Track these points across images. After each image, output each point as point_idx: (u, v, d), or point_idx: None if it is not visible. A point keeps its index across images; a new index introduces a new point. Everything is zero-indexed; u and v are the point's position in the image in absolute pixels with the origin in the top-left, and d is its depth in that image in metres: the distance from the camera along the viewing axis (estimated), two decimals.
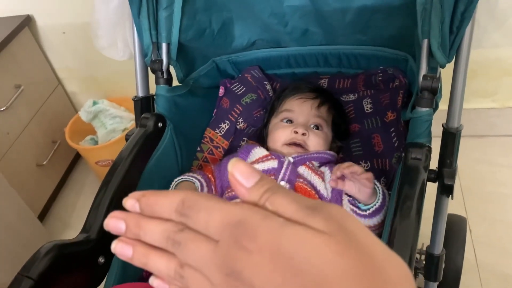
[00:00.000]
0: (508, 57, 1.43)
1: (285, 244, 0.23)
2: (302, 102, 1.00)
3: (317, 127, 0.97)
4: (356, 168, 0.75)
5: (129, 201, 0.29)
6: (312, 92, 1.02)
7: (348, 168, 0.75)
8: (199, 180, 0.90)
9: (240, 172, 0.27)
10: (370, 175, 0.75)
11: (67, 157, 1.89)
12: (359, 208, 0.78)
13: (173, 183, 0.90)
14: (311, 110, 0.98)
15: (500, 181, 1.48)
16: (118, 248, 0.28)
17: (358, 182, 0.76)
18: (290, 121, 0.99)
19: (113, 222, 0.28)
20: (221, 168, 0.96)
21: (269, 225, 0.24)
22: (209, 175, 0.95)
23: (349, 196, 0.80)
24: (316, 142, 0.94)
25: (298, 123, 0.97)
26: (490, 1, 0.71)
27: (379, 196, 0.78)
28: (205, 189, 0.90)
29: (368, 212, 0.77)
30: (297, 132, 0.94)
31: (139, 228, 0.28)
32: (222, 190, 0.94)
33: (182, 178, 0.91)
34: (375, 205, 0.77)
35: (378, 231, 0.80)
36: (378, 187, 0.79)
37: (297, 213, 0.24)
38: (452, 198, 0.77)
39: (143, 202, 0.28)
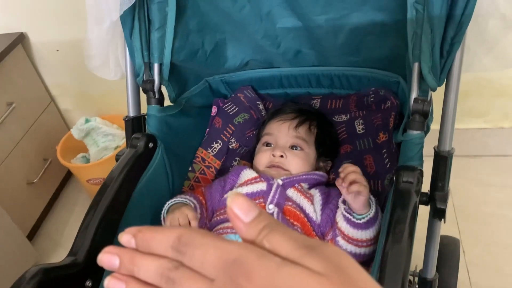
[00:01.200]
0: (500, 78, 1.45)
1: (280, 284, 0.23)
2: (281, 124, 1.01)
3: (295, 147, 0.97)
4: (355, 177, 0.76)
5: (125, 237, 0.28)
6: (292, 113, 1.02)
7: (350, 176, 0.76)
8: (192, 202, 0.90)
9: (239, 207, 0.27)
10: (363, 188, 0.75)
11: (58, 175, 1.87)
12: (353, 216, 0.78)
13: (165, 206, 0.89)
14: (289, 131, 0.99)
15: (494, 201, 1.48)
16: (111, 284, 0.28)
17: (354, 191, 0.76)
18: (270, 144, 0.99)
19: (107, 258, 0.28)
20: (212, 191, 0.95)
21: (265, 265, 0.24)
22: (200, 197, 0.94)
23: (345, 204, 0.80)
24: (295, 163, 0.94)
25: (277, 146, 0.98)
26: (480, 25, 0.72)
27: (373, 207, 0.78)
28: (198, 211, 0.89)
29: (362, 221, 0.77)
30: (274, 155, 0.95)
31: (133, 264, 0.27)
32: (212, 212, 0.93)
33: (175, 201, 0.90)
34: (368, 215, 0.77)
35: (371, 248, 0.79)
36: (372, 200, 0.79)
37: (294, 252, 0.24)
38: (444, 222, 0.77)
39: (139, 238, 0.28)
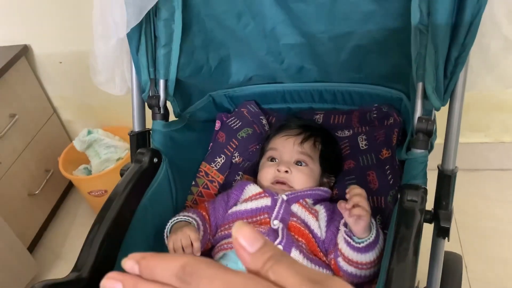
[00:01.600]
0: (500, 93, 1.46)
1: None
2: (286, 139, 1.01)
3: (300, 163, 0.97)
4: (358, 199, 0.77)
5: (129, 263, 0.28)
6: (297, 129, 1.02)
7: (353, 198, 0.77)
8: (195, 220, 0.90)
9: (244, 237, 0.27)
10: (366, 211, 0.76)
11: (59, 186, 1.87)
12: (353, 240, 0.78)
13: (168, 224, 0.89)
14: (294, 146, 0.99)
15: (495, 216, 1.48)
16: None
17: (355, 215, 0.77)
18: (274, 159, 0.99)
19: (110, 284, 0.28)
20: (215, 206, 0.96)
21: None
22: (204, 213, 0.94)
23: (346, 227, 0.80)
24: (300, 179, 0.95)
25: (281, 161, 0.98)
26: (482, 46, 0.73)
27: (373, 231, 0.78)
28: (201, 228, 0.89)
29: (361, 245, 0.77)
30: (279, 171, 0.95)
31: None
32: (216, 228, 0.94)
33: (178, 219, 0.90)
34: (368, 239, 0.78)
35: (372, 270, 0.80)
36: (373, 224, 0.79)
37: (300, 286, 0.24)
38: (448, 241, 0.77)
39: (142, 265, 0.27)
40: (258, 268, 0.26)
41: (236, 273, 0.25)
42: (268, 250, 0.26)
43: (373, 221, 0.79)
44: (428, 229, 0.80)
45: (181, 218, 0.89)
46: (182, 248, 0.82)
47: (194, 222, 0.89)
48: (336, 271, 0.82)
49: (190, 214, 0.91)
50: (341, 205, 0.79)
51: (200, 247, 0.84)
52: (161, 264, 0.27)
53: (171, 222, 0.89)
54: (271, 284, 0.25)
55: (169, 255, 0.28)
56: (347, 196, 0.79)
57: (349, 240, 0.78)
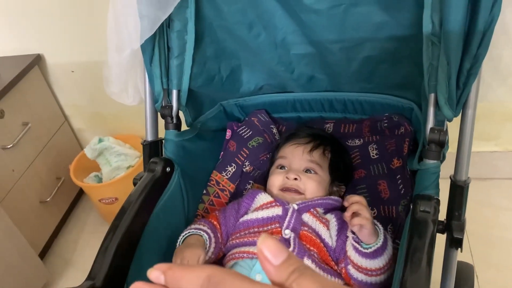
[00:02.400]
0: (511, 103, 1.45)
1: None
2: (295, 147, 1.01)
3: (310, 171, 0.97)
4: (357, 207, 0.77)
5: (154, 273, 0.28)
6: (306, 137, 1.03)
7: (351, 206, 0.78)
8: (206, 232, 0.90)
9: (269, 249, 0.27)
10: (367, 218, 0.76)
11: (70, 194, 1.88)
12: (361, 246, 0.78)
13: (180, 237, 0.90)
14: (303, 154, 0.99)
15: (505, 225, 1.48)
16: None
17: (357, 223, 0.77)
18: (283, 167, 1.00)
19: None
20: (226, 215, 0.96)
21: None
22: (215, 222, 0.95)
23: (354, 234, 0.80)
24: (310, 186, 0.95)
25: (291, 169, 0.98)
26: (494, 57, 0.73)
27: (380, 236, 0.78)
28: (213, 240, 0.90)
29: (369, 250, 0.77)
30: (288, 178, 0.95)
31: None
32: (227, 236, 0.94)
33: (189, 232, 0.90)
34: (376, 244, 0.78)
35: (382, 277, 0.79)
36: (379, 229, 0.79)
37: None
38: (461, 251, 0.77)
39: (169, 275, 0.28)
40: (282, 281, 0.26)
41: (261, 285, 0.26)
42: (292, 263, 0.27)
43: (379, 226, 0.80)
44: (440, 239, 0.80)
45: (193, 232, 0.90)
46: None
47: (205, 235, 0.89)
48: (347, 280, 0.82)
49: (201, 227, 0.91)
50: (345, 215, 0.79)
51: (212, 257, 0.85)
52: (187, 275, 0.27)
53: (183, 236, 0.90)
54: None
55: (195, 266, 0.28)
56: (346, 204, 0.79)
57: (357, 246, 0.78)
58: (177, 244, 0.90)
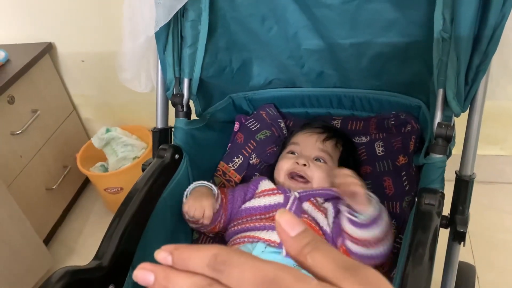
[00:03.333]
0: None
1: None
2: (309, 135, 1.02)
3: (319, 160, 0.98)
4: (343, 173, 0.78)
5: (162, 254, 0.29)
6: (322, 128, 1.04)
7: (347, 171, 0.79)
8: (215, 191, 0.94)
9: (286, 221, 0.28)
10: (357, 186, 0.77)
11: (76, 182, 1.90)
12: (356, 217, 0.78)
13: (190, 186, 0.94)
14: (316, 143, 1.00)
15: (509, 228, 1.48)
16: None
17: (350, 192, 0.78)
18: (294, 153, 1.01)
19: (142, 274, 0.28)
20: (235, 195, 0.97)
21: (302, 287, 0.25)
22: (223, 196, 0.96)
23: (346, 207, 0.81)
24: (317, 174, 0.95)
25: (301, 155, 0.99)
26: (504, 55, 0.74)
27: (375, 205, 0.78)
28: (219, 201, 0.93)
29: (365, 220, 0.77)
30: (298, 163, 0.96)
31: (167, 281, 0.28)
32: (230, 216, 0.96)
33: (200, 183, 0.94)
34: (369, 212, 0.78)
35: (380, 249, 0.80)
36: (372, 197, 0.80)
37: (334, 273, 0.25)
38: (464, 245, 0.78)
39: (176, 256, 0.28)
40: (297, 251, 0.27)
41: (267, 262, 0.26)
42: (307, 236, 0.28)
43: (372, 195, 0.80)
44: (442, 237, 0.81)
45: (205, 184, 0.93)
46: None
47: (215, 191, 0.93)
48: None
49: (213, 185, 0.94)
50: (336, 186, 0.80)
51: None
52: (193, 254, 0.28)
53: (194, 185, 0.93)
54: (304, 275, 0.25)
55: (202, 246, 0.28)
56: (337, 180, 0.79)
57: (351, 217, 0.79)
58: (185, 193, 0.93)
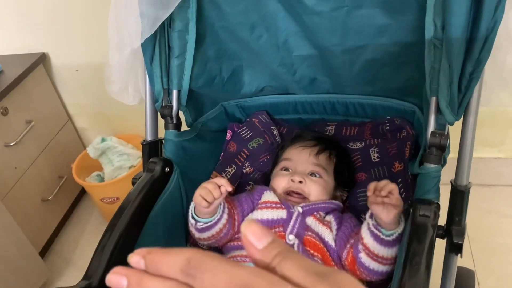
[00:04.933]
0: None
1: None
2: (301, 150, 1.00)
3: (315, 174, 0.96)
4: (391, 186, 0.75)
5: (134, 258, 0.28)
6: (313, 140, 1.02)
7: (386, 187, 0.75)
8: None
9: (253, 233, 0.27)
10: (398, 199, 0.74)
11: (72, 192, 1.89)
12: (382, 233, 0.76)
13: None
14: (309, 157, 0.98)
15: (508, 232, 1.46)
16: None
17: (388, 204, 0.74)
18: (288, 169, 0.98)
19: (115, 278, 0.28)
20: (243, 205, 0.93)
21: None
22: (229, 206, 0.91)
23: (372, 220, 0.78)
24: (314, 189, 0.93)
25: (296, 171, 0.96)
26: (497, 61, 0.73)
27: (402, 223, 0.77)
28: (226, 210, 0.88)
29: (390, 238, 0.76)
30: (293, 181, 0.94)
31: (140, 285, 0.27)
32: (243, 217, 0.92)
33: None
34: (397, 231, 0.76)
35: (391, 267, 0.78)
36: (401, 217, 0.77)
37: (305, 280, 0.25)
38: (461, 257, 0.76)
39: (148, 260, 0.28)
40: (266, 264, 0.27)
41: (241, 267, 0.26)
42: (276, 246, 0.27)
43: (402, 217, 0.78)
44: (440, 245, 0.79)
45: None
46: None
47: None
48: (352, 270, 0.81)
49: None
50: (370, 188, 0.76)
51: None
52: (166, 259, 0.27)
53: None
54: (277, 278, 0.25)
55: (175, 250, 0.28)
56: (370, 191, 0.76)
57: (377, 233, 0.76)
58: (190, 216, 0.87)
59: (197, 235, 0.89)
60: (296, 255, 0.27)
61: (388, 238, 0.76)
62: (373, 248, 0.77)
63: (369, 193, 0.77)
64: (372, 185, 0.77)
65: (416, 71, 0.88)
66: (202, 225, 0.85)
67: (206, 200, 0.81)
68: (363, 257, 0.79)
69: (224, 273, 0.25)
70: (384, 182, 0.76)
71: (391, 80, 0.97)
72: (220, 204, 0.86)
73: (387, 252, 0.76)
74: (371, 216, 0.79)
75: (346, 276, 0.26)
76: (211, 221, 0.85)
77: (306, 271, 0.25)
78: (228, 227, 0.88)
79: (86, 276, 0.77)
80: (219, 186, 0.82)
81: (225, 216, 0.87)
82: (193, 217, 0.87)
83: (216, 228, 0.86)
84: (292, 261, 0.26)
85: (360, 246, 0.79)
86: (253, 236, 0.27)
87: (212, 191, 0.81)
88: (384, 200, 0.74)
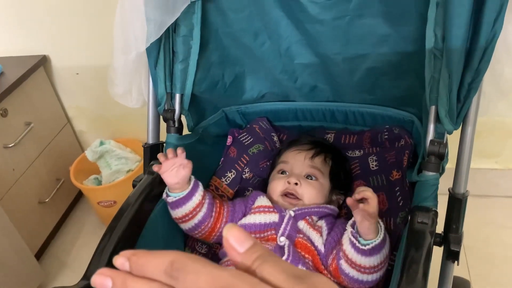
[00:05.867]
0: None
1: None
2: (297, 153, 1.01)
3: (311, 177, 0.97)
4: (368, 194, 0.76)
5: (119, 259, 0.29)
6: (309, 144, 1.03)
7: (362, 192, 0.77)
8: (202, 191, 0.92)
9: (234, 237, 0.28)
10: (374, 209, 0.76)
11: (69, 195, 1.88)
12: (359, 241, 0.78)
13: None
14: (305, 160, 0.99)
15: (504, 243, 1.47)
16: None
17: (362, 212, 0.76)
18: (285, 172, 1.00)
19: (100, 279, 0.28)
20: (236, 207, 0.95)
21: None
22: (220, 204, 0.94)
23: (353, 228, 0.80)
24: (309, 192, 0.94)
25: (292, 174, 0.98)
26: (496, 72, 0.74)
27: (381, 234, 0.78)
28: (207, 199, 0.92)
29: (367, 247, 0.77)
30: (289, 183, 0.95)
31: (125, 287, 0.28)
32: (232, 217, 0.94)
33: None
34: (374, 241, 0.77)
35: (374, 276, 0.79)
36: (380, 226, 0.79)
37: (284, 282, 0.26)
38: (458, 264, 0.77)
39: (133, 261, 0.28)
40: (247, 267, 0.27)
41: (223, 269, 0.26)
42: (256, 250, 0.28)
43: (381, 223, 0.79)
44: (436, 253, 0.80)
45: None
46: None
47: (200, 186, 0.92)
48: (336, 277, 0.82)
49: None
50: (349, 200, 0.78)
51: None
52: (150, 261, 0.28)
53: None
54: (257, 280, 0.26)
55: (159, 252, 0.28)
56: (356, 196, 0.78)
57: (355, 241, 0.78)
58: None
59: (172, 214, 0.92)
60: (276, 258, 0.28)
61: (363, 247, 0.77)
62: (351, 255, 0.78)
63: (356, 196, 0.78)
64: (359, 190, 0.79)
65: (416, 80, 0.89)
66: (172, 199, 0.89)
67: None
68: (343, 264, 0.80)
69: (206, 275, 0.26)
70: (363, 188, 0.78)
71: (391, 89, 0.98)
72: (191, 181, 0.90)
73: (364, 261, 0.77)
74: (353, 224, 0.80)
75: (323, 278, 0.27)
76: (179, 196, 0.88)
77: (285, 274, 0.26)
78: (206, 213, 0.90)
79: (85, 276, 0.77)
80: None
81: (199, 197, 0.89)
82: (166, 192, 0.90)
83: (188, 207, 0.89)
84: (272, 264, 0.27)
85: (340, 253, 0.81)
86: (235, 239, 0.28)
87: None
88: (360, 206, 0.76)
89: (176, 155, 0.89)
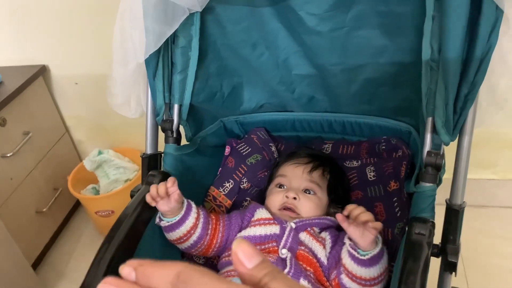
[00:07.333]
0: (509, 131, 1.47)
1: None
2: (295, 167, 1.01)
3: (309, 191, 0.97)
4: (368, 217, 0.77)
5: (126, 269, 0.28)
6: (307, 157, 1.03)
7: (362, 216, 0.77)
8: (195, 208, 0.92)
9: (243, 252, 0.28)
10: (378, 224, 0.76)
11: (67, 205, 1.88)
12: (358, 253, 0.78)
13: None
14: (303, 174, 0.99)
15: (502, 253, 1.47)
16: None
17: (364, 228, 0.77)
18: (283, 186, 1.00)
19: None
20: (232, 221, 0.95)
21: None
22: (215, 219, 0.94)
23: (351, 240, 0.80)
24: (307, 206, 0.94)
25: (290, 188, 0.98)
26: (492, 84, 0.75)
27: (379, 244, 0.78)
28: (201, 219, 0.92)
29: (366, 257, 0.77)
30: (288, 197, 0.95)
31: None
32: (226, 244, 0.94)
33: None
34: (373, 251, 0.77)
35: (377, 287, 0.79)
36: (378, 238, 0.79)
37: None
38: (455, 275, 0.77)
39: (139, 272, 0.28)
40: (255, 283, 0.27)
41: (230, 283, 0.26)
42: (265, 267, 0.28)
43: (378, 235, 0.79)
44: (433, 264, 0.80)
45: None
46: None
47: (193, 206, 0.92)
48: None
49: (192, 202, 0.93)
50: (339, 217, 0.79)
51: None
52: (157, 272, 0.28)
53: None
54: None
55: (166, 263, 0.28)
56: (345, 213, 0.79)
57: (354, 252, 0.78)
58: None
59: (167, 236, 0.92)
60: (284, 276, 0.28)
61: (363, 258, 0.77)
62: (351, 268, 0.78)
63: (344, 212, 0.79)
64: (348, 208, 0.80)
65: (413, 91, 0.90)
66: (165, 223, 0.89)
67: (152, 198, 0.86)
68: (344, 278, 0.80)
69: None
70: (358, 211, 0.78)
71: (388, 99, 0.99)
72: (184, 206, 0.90)
73: (365, 272, 0.77)
74: (350, 238, 0.80)
75: None
76: (171, 221, 0.89)
77: None
78: (201, 233, 0.90)
79: (83, 287, 0.77)
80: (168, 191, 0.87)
81: (192, 220, 0.89)
82: (159, 217, 0.91)
83: (183, 230, 0.89)
84: (280, 281, 0.27)
85: (341, 268, 0.80)
86: (244, 255, 0.28)
87: (158, 188, 0.86)
88: (361, 217, 0.77)
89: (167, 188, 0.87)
